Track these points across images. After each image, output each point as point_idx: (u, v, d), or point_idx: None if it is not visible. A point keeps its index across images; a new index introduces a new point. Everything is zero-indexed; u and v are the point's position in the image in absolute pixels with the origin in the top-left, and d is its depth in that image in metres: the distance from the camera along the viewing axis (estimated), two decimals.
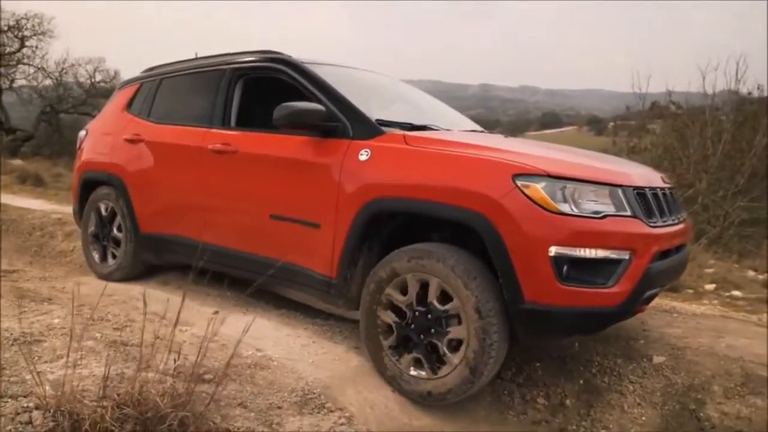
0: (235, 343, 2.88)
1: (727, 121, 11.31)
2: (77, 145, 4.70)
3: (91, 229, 4.33)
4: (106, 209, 4.20)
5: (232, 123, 3.48)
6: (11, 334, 2.50)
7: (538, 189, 2.28)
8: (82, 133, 4.71)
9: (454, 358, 2.44)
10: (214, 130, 3.47)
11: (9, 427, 1.71)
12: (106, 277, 4.08)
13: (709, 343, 3.10)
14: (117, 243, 4.14)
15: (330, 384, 2.55)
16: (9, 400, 1.85)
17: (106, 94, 15.58)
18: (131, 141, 4.02)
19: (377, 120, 2.87)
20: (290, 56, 3.31)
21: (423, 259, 2.50)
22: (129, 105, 4.31)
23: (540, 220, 2.26)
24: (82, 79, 21.85)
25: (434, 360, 2.52)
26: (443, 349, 2.48)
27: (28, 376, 2.05)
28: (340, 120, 2.88)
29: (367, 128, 2.83)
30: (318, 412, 2.28)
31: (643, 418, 2.71)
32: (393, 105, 3.51)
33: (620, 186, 2.40)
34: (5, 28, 19.48)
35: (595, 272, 2.31)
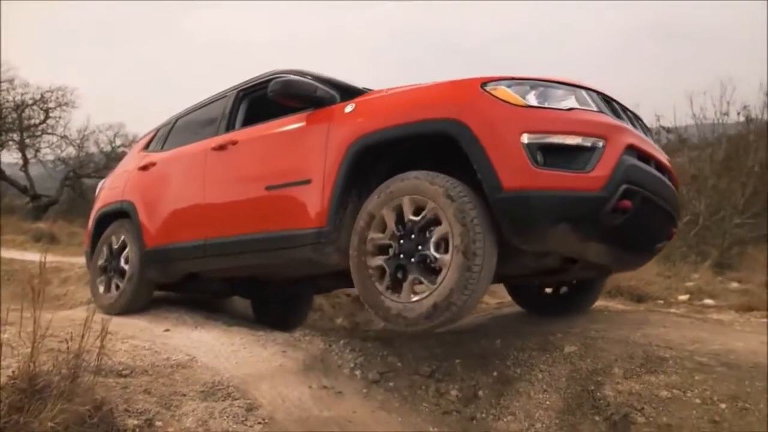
0: (171, 350, 3.16)
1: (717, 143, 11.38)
2: (96, 195, 5.11)
3: (100, 262, 4.46)
4: (117, 241, 4.35)
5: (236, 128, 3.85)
6: None
7: (506, 89, 2.57)
8: (101, 183, 5.15)
9: (445, 258, 2.51)
10: (218, 137, 3.82)
11: None
12: (108, 309, 4.14)
13: (625, 334, 3.23)
14: (122, 275, 4.24)
15: (245, 380, 2.76)
16: None
17: None
18: (144, 168, 4.40)
19: (363, 88, 3.29)
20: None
21: (390, 187, 2.72)
22: (146, 147, 4.77)
23: (509, 113, 2.52)
24: (102, 145, 22.96)
25: (430, 271, 2.59)
26: (433, 255, 2.56)
27: None
28: (328, 92, 3.25)
29: (354, 92, 3.25)
30: (221, 400, 2.48)
31: (548, 402, 2.84)
32: None
33: (584, 88, 2.68)
34: (30, 102, 20.79)
35: (571, 159, 2.46)
